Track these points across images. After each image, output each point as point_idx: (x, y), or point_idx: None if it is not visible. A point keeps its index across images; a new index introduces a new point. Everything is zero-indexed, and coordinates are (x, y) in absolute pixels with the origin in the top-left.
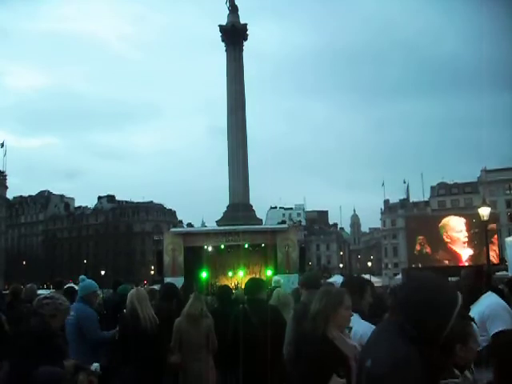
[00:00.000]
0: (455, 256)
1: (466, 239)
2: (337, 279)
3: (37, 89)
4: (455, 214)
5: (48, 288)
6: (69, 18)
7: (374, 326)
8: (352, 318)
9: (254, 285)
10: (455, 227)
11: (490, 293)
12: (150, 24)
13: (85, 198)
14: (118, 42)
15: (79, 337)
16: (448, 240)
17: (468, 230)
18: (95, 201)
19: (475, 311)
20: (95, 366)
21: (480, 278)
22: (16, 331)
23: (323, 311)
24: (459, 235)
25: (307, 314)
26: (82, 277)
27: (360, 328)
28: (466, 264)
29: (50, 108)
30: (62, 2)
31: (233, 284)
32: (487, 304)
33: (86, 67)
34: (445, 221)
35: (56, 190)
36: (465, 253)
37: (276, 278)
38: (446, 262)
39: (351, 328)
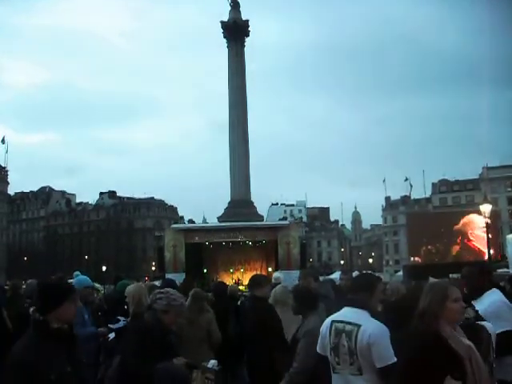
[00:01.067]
0: (480, 254)
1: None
2: (337, 276)
3: (36, 84)
4: (475, 212)
5: None
6: (68, 12)
7: (382, 324)
8: (361, 315)
9: (255, 281)
10: (480, 225)
11: (494, 290)
12: (151, 19)
13: (86, 194)
14: (119, 37)
15: None
16: (472, 238)
17: None
18: (96, 197)
19: (478, 308)
20: (212, 362)
21: (483, 275)
22: (129, 326)
23: (430, 307)
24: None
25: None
26: (77, 272)
27: (369, 326)
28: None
29: (50, 104)
30: None
31: (233, 280)
32: (491, 301)
33: (86, 62)
34: (469, 218)
35: (57, 186)
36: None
37: (276, 274)
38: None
39: (360, 326)
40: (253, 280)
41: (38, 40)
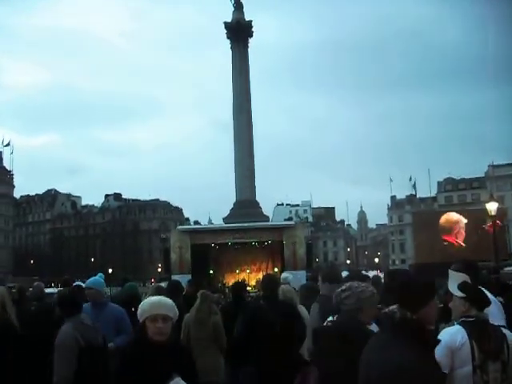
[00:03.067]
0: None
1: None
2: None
3: (36, 85)
4: (459, 212)
5: (56, 286)
6: (68, 12)
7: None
8: None
9: (271, 281)
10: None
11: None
12: (151, 19)
13: (91, 196)
14: (119, 37)
15: None
16: (454, 236)
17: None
18: (102, 199)
19: None
20: None
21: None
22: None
23: None
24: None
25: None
26: (100, 274)
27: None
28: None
29: (50, 104)
30: None
31: (239, 281)
32: None
33: (86, 62)
34: (450, 215)
35: (61, 189)
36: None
37: (284, 274)
38: None
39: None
40: (270, 280)
41: (38, 40)
